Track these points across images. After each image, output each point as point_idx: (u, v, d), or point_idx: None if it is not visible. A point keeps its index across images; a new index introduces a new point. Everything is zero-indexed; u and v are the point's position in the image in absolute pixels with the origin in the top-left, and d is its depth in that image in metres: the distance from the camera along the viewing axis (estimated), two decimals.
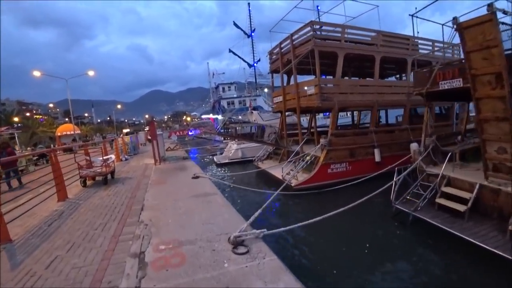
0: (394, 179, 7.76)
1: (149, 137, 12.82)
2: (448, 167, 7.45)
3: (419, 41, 14.11)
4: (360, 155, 11.24)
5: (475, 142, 9.93)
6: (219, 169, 15.80)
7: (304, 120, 31.13)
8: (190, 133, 39.29)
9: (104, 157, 8.32)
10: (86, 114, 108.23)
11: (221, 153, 20.03)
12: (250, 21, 44.43)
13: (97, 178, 8.40)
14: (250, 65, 46.22)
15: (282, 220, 7.59)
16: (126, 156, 14.85)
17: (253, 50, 45.07)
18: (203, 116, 47.32)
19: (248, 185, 10.29)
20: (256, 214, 4.38)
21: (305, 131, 17.37)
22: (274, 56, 14.64)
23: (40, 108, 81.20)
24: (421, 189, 7.56)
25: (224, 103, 41.45)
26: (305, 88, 11.30)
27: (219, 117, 41.54)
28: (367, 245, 6.06)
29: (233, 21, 45.59)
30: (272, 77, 15.16)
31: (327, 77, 14.02)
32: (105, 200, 6.26)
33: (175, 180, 7.98)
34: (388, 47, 12.56)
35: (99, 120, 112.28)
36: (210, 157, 21.62)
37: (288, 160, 11.15)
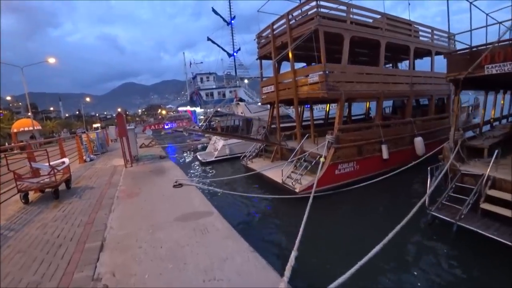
0: (428, 182, 6.46)
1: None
2: (482, 166, 6.26)
3: (420, 28, 13.05)
4: (368, 152, 9.94)
5: (494, 136, 8.93)
6: (204, 168, 13.82)
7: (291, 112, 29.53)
8: (166, 127, 36.62)
9: (53, 162, 6.21)
10: (52, 108, 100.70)
11: (204, 149, 18.05)
12: (230, 7, 41.95)
13: (47, 189, 6.31)
14: (229, 55, 43.81)
15: (308, 245, 5.83)
16: (91, 156, 12.54)
17: (232, 38, 42.78)
18: (180, 109, 44.47)
19: (244, 192, 8.72)
20: (292, 261, 2.68)
21: (293, 124, 15.89)
22: (263, 40, 12.84)
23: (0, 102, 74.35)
24: (456, 191, 6.36)
25: (202, 94, 38.96)
26: (307, 75, 9.67)
27: (198, 109, 39.06)
28: (415, 273, 4.58)
29: (212, 7, 42.88)
30: (261, 64, 13.39)
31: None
32: (48, 229, 4.28)
33: (151, 191, 6.08)
34: (392, 31, 11.28)
35: (67, 115, 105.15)
36: (192, 154, 19.58)
37: (289, 160, 9.50)
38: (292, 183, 8.43)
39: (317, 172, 8.94)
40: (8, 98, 61.93)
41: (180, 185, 6.24)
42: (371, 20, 10.98)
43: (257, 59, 13.07)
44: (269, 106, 14.15)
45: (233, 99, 36.58)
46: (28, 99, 26.23)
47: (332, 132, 9.17)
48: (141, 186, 6.45)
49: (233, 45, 43.69)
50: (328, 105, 18.44)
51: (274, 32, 11.36)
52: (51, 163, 6.01)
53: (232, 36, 43.39)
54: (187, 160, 16.67)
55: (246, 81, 42.99)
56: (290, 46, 10.05)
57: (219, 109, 18.90)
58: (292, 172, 9.11)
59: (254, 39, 13.00)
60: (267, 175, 9.79)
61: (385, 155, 9.95)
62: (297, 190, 8.18)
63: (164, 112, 79.31)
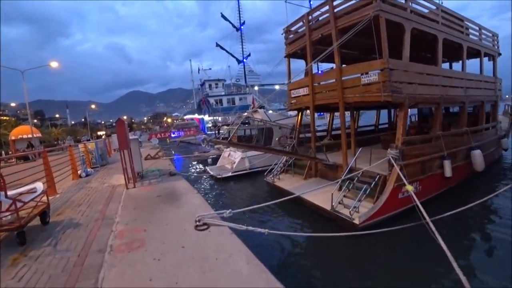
0: None
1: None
2: None
3: (469, 24, 11.15)
4: (430, 170, 7.96)
5: None
6: (220, 187, 11.58)
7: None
8: (173, 136, 34.81)
9: (17, 190, 4.20)
10: (57, 115, 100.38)
11: (215, 162, 15.93)
12: (239, 11, 40.55)
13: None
14: (239, 61, 42.24)
15: None
16: (88, 170, 10.55)
17: (242, 44, 41.25)
18: (187, 117, 42.71)
19: (288, 226, 6.90)
20: None
21: (325, 133, 13.82)
22: (291, 35, 10.91)
23: (7, 108, 73.87)
24: None
25: (211, 101, 37.13)
26: (360, 74, 7.71)
27: (206, 117, 37.24)
28: None
29: (221, 13, 41.59)
30: (289, 63, 11.45)
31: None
32: None
33: (163, 235, 3.99)
34: (446, 26, 9.40)
35: (73, 122, 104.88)
36: (199, 165, 17.55)
37: (342, 178, 7.35)
38: (350, 212, 6.32)
39: (375, 196, 6.97)
40: (13, 104, 60.92)
41: (206, 225, 4.16)
42: (426, 11, 9.08)
43: (285, 57, 11.10)
44: (293, 112, 12.14)
45: (245, 106, 34.80)
46: (28, 104, 24.57)
47: (395, 146, 7.11)
48: (147, 226, 4.36)
49: (242, 50, 42.17)
50: (357, 112, 16.36)
51: (310, 24, 9.44)
52: (16, 191, 4.00)
53: (242, 41, 41.92)
54: (197, 174, 14.40)
55: (256, 88, 41.28)
56: (337, 38, 8.12)
57: (249, 115, 16.56)
58: (344, 196, 7.03)
59: (282, 34, 11.06)
60: (311, 201, 7.65)
61: (448, 172, 8.02)
62: (356, 222, 6.12)
63: (169, 120, 78.02)
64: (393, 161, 6.92)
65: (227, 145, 8.92)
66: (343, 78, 8.41)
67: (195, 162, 18.69)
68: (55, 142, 43.38)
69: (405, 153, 7.10)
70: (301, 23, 10.03)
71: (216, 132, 25.27)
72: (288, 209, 8.02)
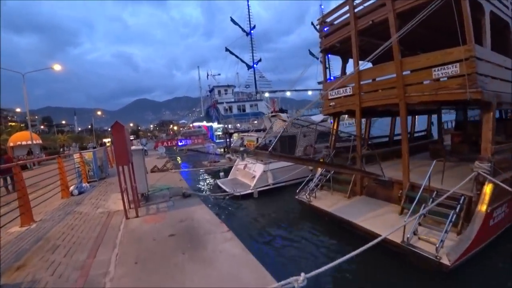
0: None
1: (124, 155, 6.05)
2: None
3: None
4: None
5: None
6: (239, 206, 9.58)
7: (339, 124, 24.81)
8: (180, 144, 33.20)
9: None
10: (63, 122, 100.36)
11: (226, 174, 13.90)
12: (249, 16, 39.21)
13: None
14: (249, 67, 40.74)
15: None
16: (83, 186, 8.72)
17: (252, 49, 39.75)
18: (195, 124, 41.15)
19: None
20: None
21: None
22: (326, 28, 9.12)
23: (16, 115, 73.56)
24: None
25: (220, 108, 35.45)
26: (430, 67, 5.88)
27: (215, 124, 35.57)
28: None
29: (230, 17, 40.37)
30: (324, 60, 9.63)
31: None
32: None
33: None
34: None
35: (79, 129, 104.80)
36: (207, 177, 15.68)
37: (420, 207, 5.38)
38: (436, 248, 4.41)
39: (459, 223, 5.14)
40: (18, 110, 60.29)
41: None
42: None
43: (320, 52, 9.27)
44: (317, 118, 10.22)
45: (257, 113, 33.09)
46: (27, 109, 23.18)
47: (486, 158, 5.25)
48: None
49: (252, 55, 40.69)
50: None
51: (356, 11, 7.65)
52: None
53: (252, 46, 40.47)
54: (217, 196, 11.41)
55: (267, 94, 39.63)
56: (395, 25, 6.37)
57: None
58: (419, 224, 5.15)
59: (316, 24, 9.29)
60: (363, 227, 5.75)
61: None
62: (446, 262, 4.30)
63: (175, 128, 76.89)
64: (487, 177, 5.11)
65: (268, 157, 6.91)
66: (403, 73, 6.59)
67: (205, 174, 16.75)
68: (61, 149, 41.98)
69: (497, 165, 5.26)
70: (345, 8, 8.18)
71: (228, 139, 23.57)
72: (332, 235, 6.08)
